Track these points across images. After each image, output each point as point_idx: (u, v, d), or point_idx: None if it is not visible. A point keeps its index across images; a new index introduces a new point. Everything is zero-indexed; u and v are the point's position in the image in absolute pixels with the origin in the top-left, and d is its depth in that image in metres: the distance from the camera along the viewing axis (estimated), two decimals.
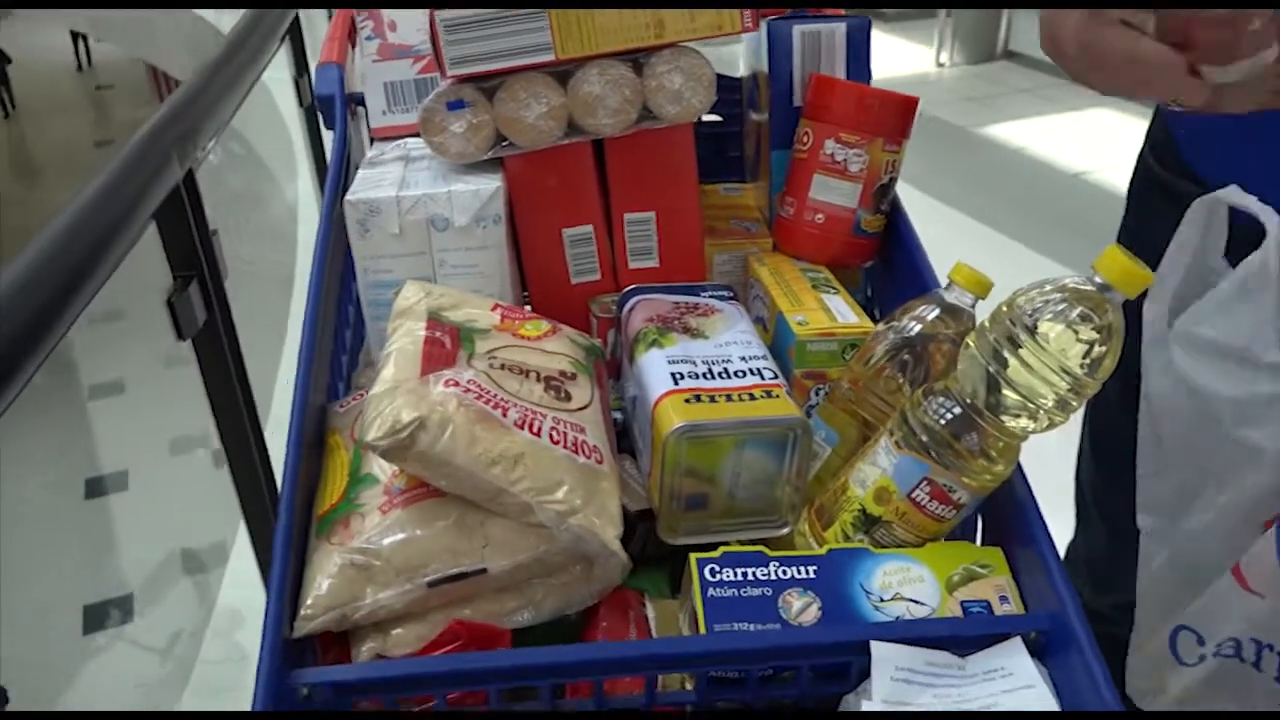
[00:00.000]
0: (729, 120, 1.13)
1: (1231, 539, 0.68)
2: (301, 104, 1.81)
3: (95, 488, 2.95)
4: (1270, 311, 0.65)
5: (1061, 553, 1.14)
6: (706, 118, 1.14)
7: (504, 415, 0.62)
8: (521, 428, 0.62)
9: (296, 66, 1.77)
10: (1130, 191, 0.87)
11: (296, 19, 1.64)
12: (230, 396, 1.11)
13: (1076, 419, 1.02)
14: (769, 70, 0.91)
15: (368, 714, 0.57)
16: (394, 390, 0.62)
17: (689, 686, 0.61)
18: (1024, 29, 5.36)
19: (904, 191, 0.91)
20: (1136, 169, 0.87)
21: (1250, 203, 0.65)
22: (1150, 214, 0.83)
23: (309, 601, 0.59)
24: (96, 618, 2.55)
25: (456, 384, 0.63)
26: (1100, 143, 4.02)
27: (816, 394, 0.77)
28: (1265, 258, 0.64)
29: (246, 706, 0.52)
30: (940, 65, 5.38)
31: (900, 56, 5.48)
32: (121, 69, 8.83)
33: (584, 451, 0.64)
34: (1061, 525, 1.04)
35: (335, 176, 0.90)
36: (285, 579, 0.60)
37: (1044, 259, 3.15)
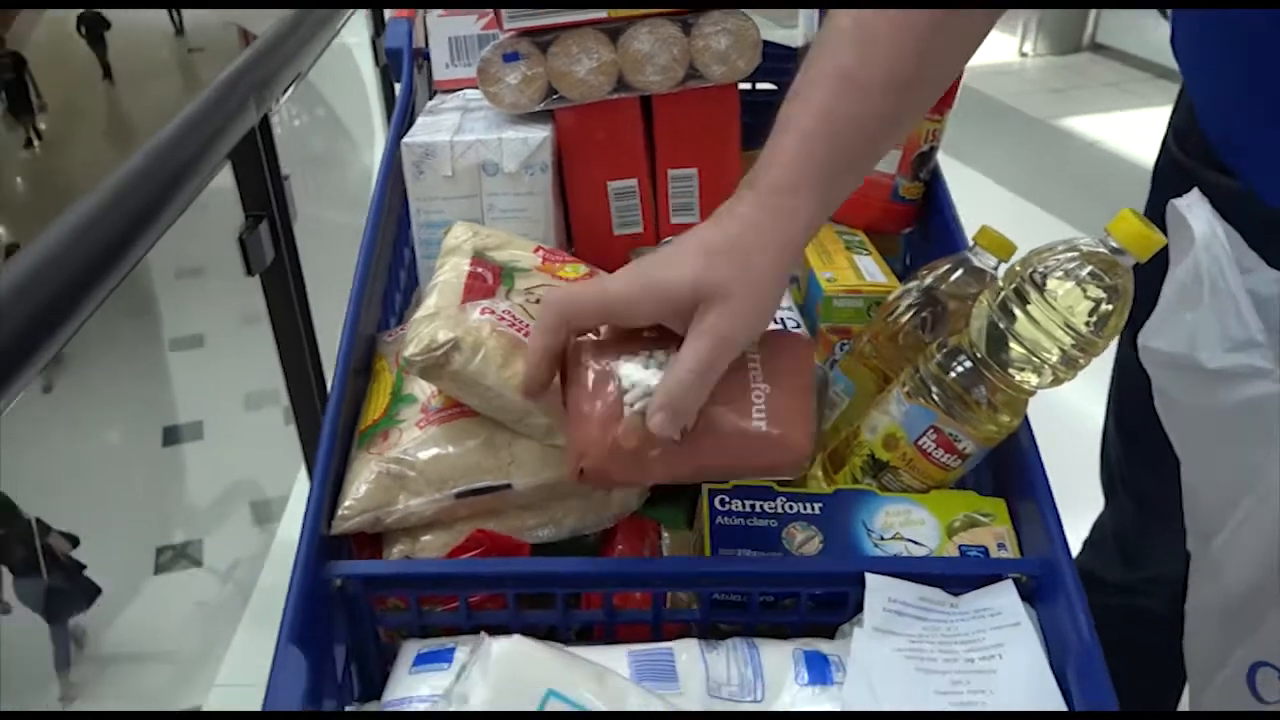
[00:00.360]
0: (783, 89, 1.15)
1: (1266, 560, 0.68)
2: (378, 63, 1.87)
3: (172, 436, 3.08)
4: (1209, 315, 0.65)
5: (1087, 531, 1.15)
6: (761, 86, 1.17)
7: None
8: None
9: (375, 27, 1.84)
10: (1154, 177, 0.88)
11: None
12: (294, 333, 1.17)
13: (1101, 398, 1.03)
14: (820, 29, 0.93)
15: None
16: (434, 315, 0.66)
17: (695, 608, 0.65)
18: (1111, 21, 5.23)
19: (975, 180, 0.92)
20: (1160, 155, 0.87)
21: (1185, 209, 0.66)
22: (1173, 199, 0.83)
23: (346, 503, 0.64)
24: (167, 560, 2.66)
25: (492, 312, 0.67)
26: None
27: (840, 349, 0.80)
28: (1196, 260, 0.65)
29: None
30: (1023, 55, 5.28)
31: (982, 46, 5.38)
32: (214, 33, 9.06)
33: None
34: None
35: (398, 124, 0.95)
36: (326, 483, 0.65)
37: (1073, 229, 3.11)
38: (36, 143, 7.42)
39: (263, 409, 3.26)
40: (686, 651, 0.60)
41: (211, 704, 1.56)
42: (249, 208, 1.12)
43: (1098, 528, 1.13)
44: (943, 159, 0.94)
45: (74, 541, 2.55)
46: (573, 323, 0.58)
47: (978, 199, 0.78)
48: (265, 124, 1.12)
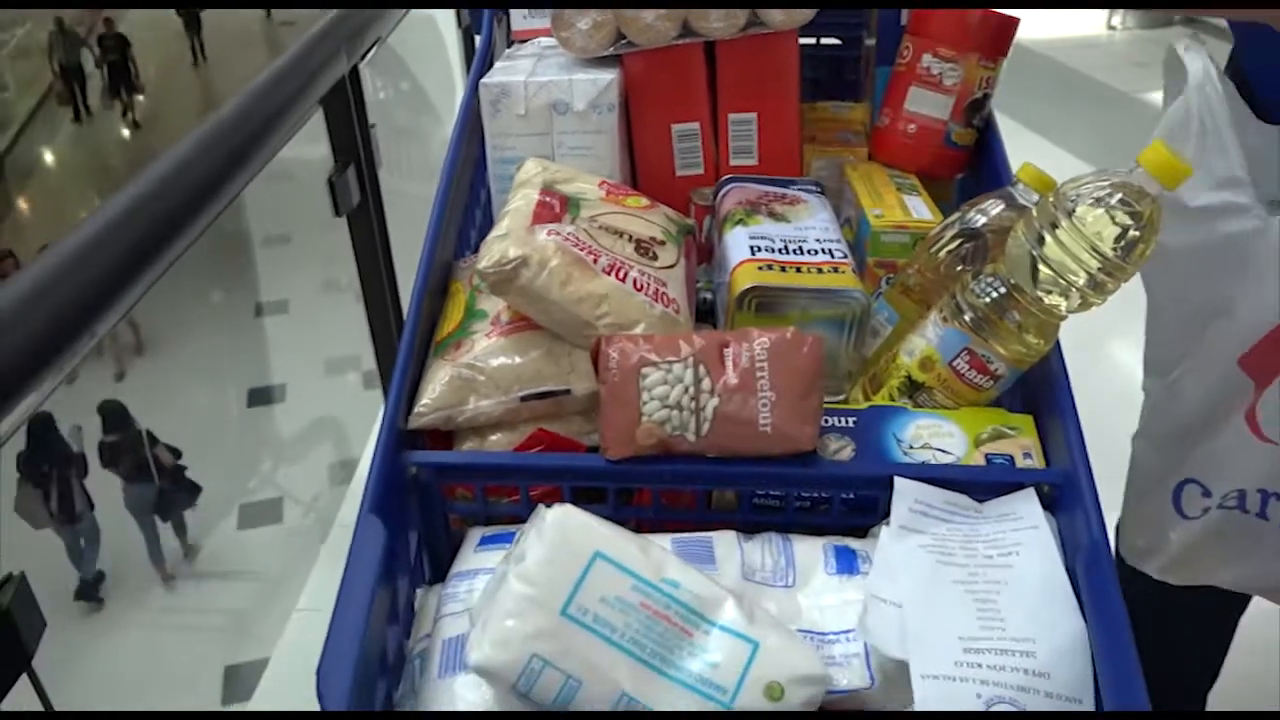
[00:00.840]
0: (848, 44, 1.19)
1: (1221, 386, 0.72)
2: (460, 25, 1.94)
3: (257, 398, 3.21)
4: (1195, 155, 0.67)
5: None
6: (826, 40, 1.21)
7: (595, 262, 0.72)
8: (609, 274, 0.72)
9: None
10: None
11: None
12: (376, 272, 1.25)
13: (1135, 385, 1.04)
14: None
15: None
16: (505, 235, 0.72)
17: (736, 510, 0.70)
18: None
19: (1050, 152, 0.94)
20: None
21: (1183, 52, 0.68)
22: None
23: (423, 402, 0.71)
24: (250, 516, 2.79)
25: (558, 234, 0.73)
26: None
27: (886, 283, 0.84)
28: (1187, 101, 0.67)
29: None
30: (1111, 28, 5.15)
31: (1068, 17, 5.26)
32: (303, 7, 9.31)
33: (663, 301, 0.73)
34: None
35: (478, 70, 1.01)
36: (404, 384, 0.72)
37: None
38: (133, 119, 7.72)
39: (344, 374, 3.38)
40: (724, 540, 0.66)
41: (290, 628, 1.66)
42: (338, 152, 1.20)
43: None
44: (1020, 131, 0.97)
45: (177, 454, 2.74)
46: None
47: (1053, 171, 0.81)
48: (355, 74, 1.20)
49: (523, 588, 0.54)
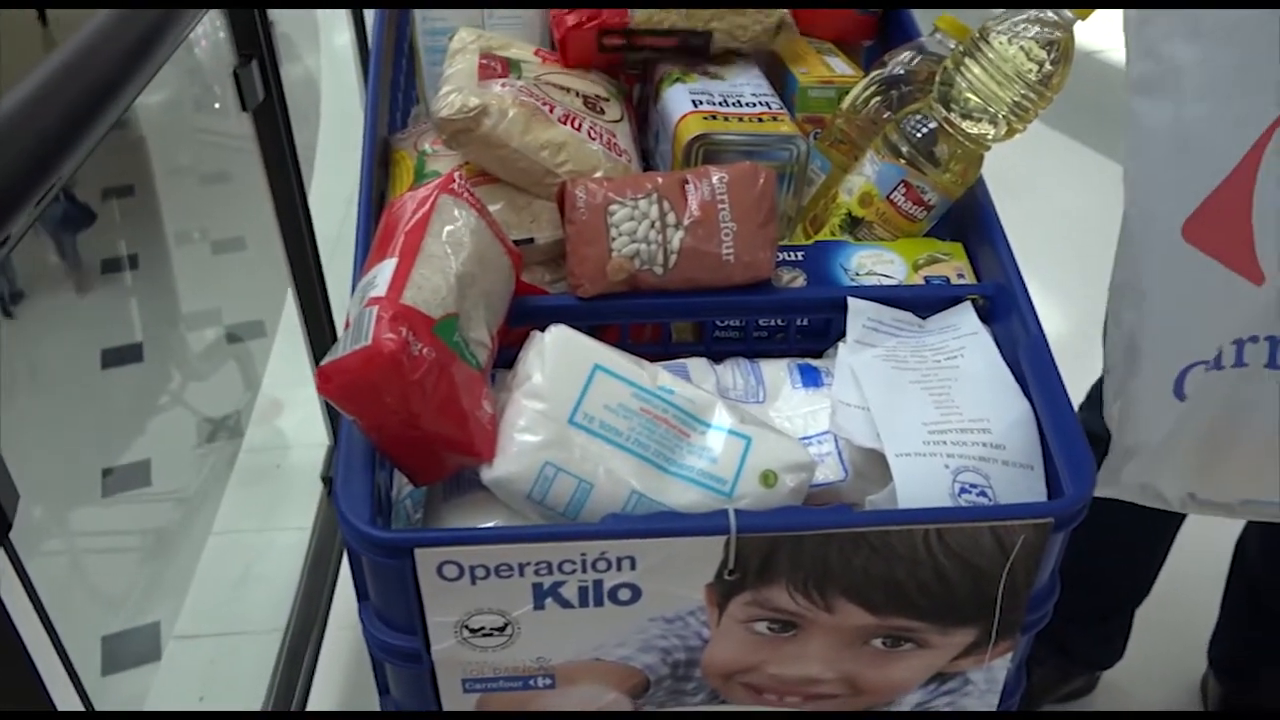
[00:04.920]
0: None
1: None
2: None
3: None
4: None
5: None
6: None
7: (550, 112, 0.74)
8: (565, 123, 0.74)
9: None
10: None
11: None
12: (283, 168, 1.23)
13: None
14: None
15: None
16: (459, 89, 0.73)
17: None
18: None
19: None
20: None
21: None
22: None
23: None
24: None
25: (511, 86, 0.74)
26: (1115, 23, 4.01)
27: (814, 137, 0.88)
28: None
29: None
30: None
31: None
32: None
33: (616, 150, 0.76)
34: None
35: None
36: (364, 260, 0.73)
37: (1056, 133, 3.19)
38: None
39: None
40: (698, 365, 0.70)
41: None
42: (241, 45, 1.17)
43: (1096, 387, 1.17)
44: None
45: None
46: None
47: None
48: None
49: (531, 403, 0.57)
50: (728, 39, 0.85)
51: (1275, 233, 0.71)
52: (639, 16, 0.84)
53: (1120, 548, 1.21)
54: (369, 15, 0.94)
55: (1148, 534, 1.22)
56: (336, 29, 3.46)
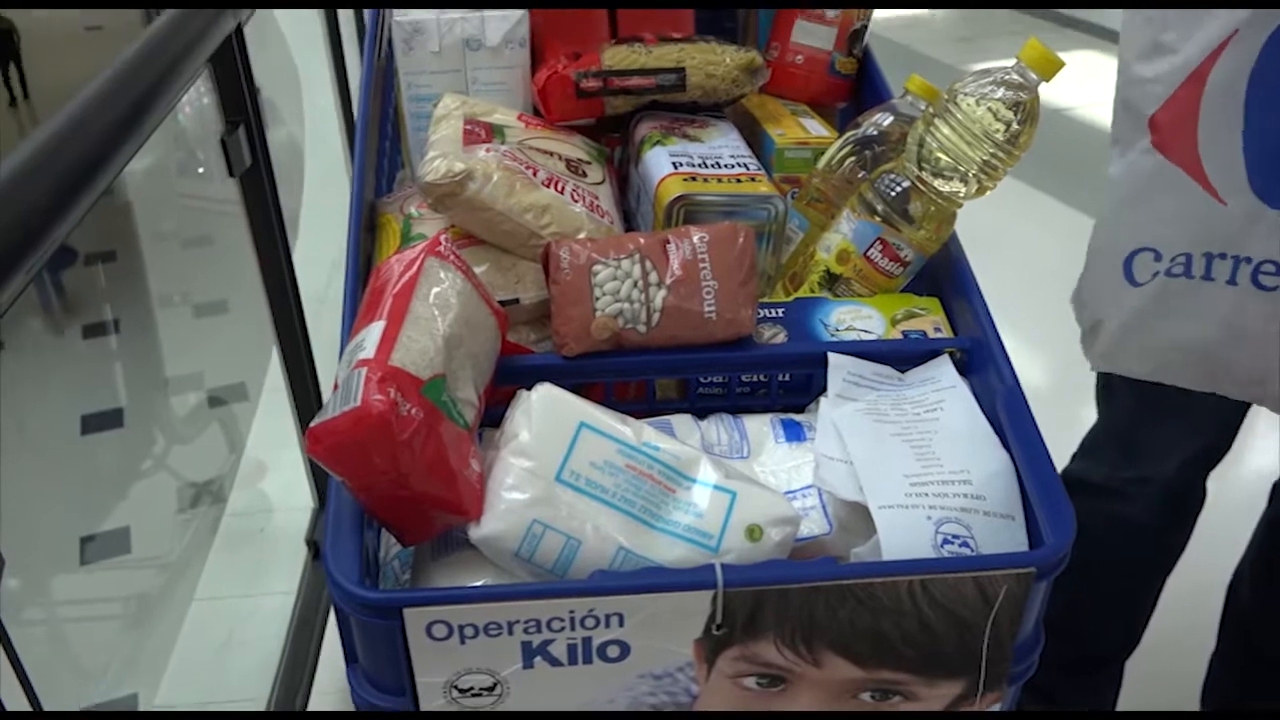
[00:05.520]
0: None
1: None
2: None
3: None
4: None
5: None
6: None
7: (534, 175, 0.75)
8: (548, 186, 0.75)
9: None
10: None
11: None
12: (269, 231, 1.24)
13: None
14: None
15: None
16: (445, 154, 0.75)
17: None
18: None
19: None
20: None
21: None
22: None
23: None
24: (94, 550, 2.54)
25: (495, 151, 0.76)
26: (1083, 82, 4.14)
27: (791, 197, 0.90)
28: None
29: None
30: (933, 7, 5.47)
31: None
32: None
33: (599, 212, 0.77)
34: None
35: (373, 24, 1.02)
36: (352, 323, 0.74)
37: (1030, 189, 3.27)
38: None
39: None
40: (682, 421, 0.71)
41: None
42: (229, 112, 1.19)
43: (1090, 436, 1.21)
44: None
45: None
46: None
47: None
48: (239, 33, 1.18)
49: (519, 461, 0.58)
50: (701, 77, 0.87)
51: (1220, 156, 0.78)
52: (611, 57, 0.86)
53: (1103, 598, 1.21)
54: (354, 82, 0.96)
55: (1129, 584, 1.23)
56: (320, 93, 3.51)
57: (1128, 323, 0.90)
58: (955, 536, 0.59)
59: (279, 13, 4.02)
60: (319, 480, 1.56)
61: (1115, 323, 0.91)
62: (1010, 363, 0.70)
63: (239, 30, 1.18)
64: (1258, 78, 0.77)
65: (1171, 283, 0.86)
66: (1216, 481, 1.17)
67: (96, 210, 0.96)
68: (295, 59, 4.01)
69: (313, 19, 2.18)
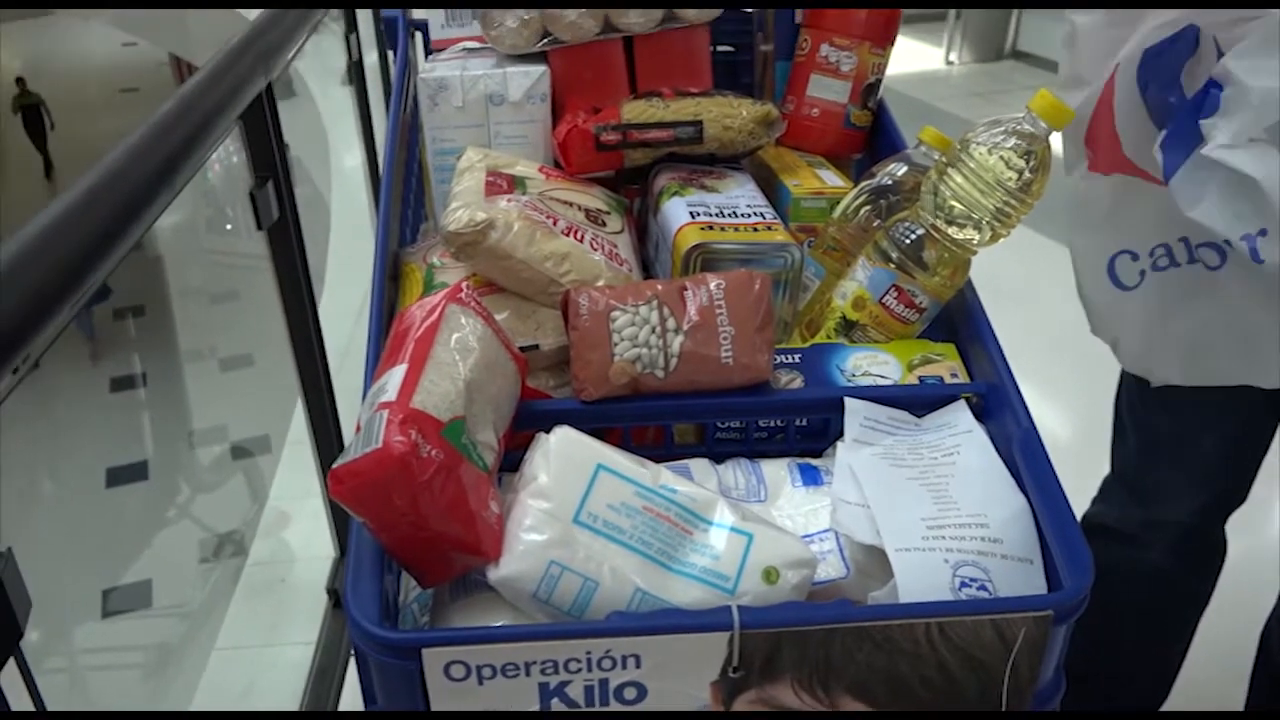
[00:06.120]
0: (741, 50, 1.28)
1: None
2: (350, 57, 1.97)
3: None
4: None
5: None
6: (721, 47, 1.30)
7: (554, 225, 0.77)
8: (568, 235, 0.77)
9: (347, 24, 1.94)
10: None
11: None
12: (295, 284, 1.27)
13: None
14: None
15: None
16: (467, 204, 0.77)
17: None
18: (1032, 30, 5.52)
19: None
20: None
21: None
22: None
23: None
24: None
25: (516, 202, 0.78)
26: None
27: (807, 245, 0.92)
28: None
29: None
30: (949, 64, 5.54)
31: (910, 55, 5.63)
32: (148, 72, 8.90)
33: (617, 260, 0.79)
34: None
35: (399, 81, 1.06)
36: (377, 362, 0.75)
37: (1043, 238, 3.28)
38: None
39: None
40: (700, 465, 0.72)
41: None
42: (258, 168, 1.22)
43: (1106, 482, 1.21)
44: None
45: None
46: None
47: None
48: (269, 91, 1.22)
49: (537, 503, 0.58)
50: (718, 129, 0.89)
51: (1143, 146, 0.82)
52: (630, 111, 0.88)
53: (1128, 647, 1.20)
54: (380, 137, 0.99)
55: (1155, 633, 1.21)
56: (347, 152, 3.59)
57: (1140, 333, 0.91)
58: (973, 579, 0.59)
59: (309, 76, 4.12)
60: (340, 529, 1.57)
61: (1129, 336, 0.92)
62: (1026, 407, 0.70)
63: (269, 88, 1.22)
64: (1144, 64, 0.82)
65: (1163, 278, 0.87)
66: (1245, 531, 1.16)
67: (127, 264, 0.98)
68: (324, 121, 4.11)
69: (340, 84, 2.23)
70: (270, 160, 1.24)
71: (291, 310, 1.29)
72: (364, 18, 2.08)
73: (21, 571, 0.67)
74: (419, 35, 1.18)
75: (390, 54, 1.18)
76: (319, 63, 4.08)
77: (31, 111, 7.89)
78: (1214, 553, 1.16)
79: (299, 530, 1.87)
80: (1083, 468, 1.03)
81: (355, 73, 1.97)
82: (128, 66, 9.54)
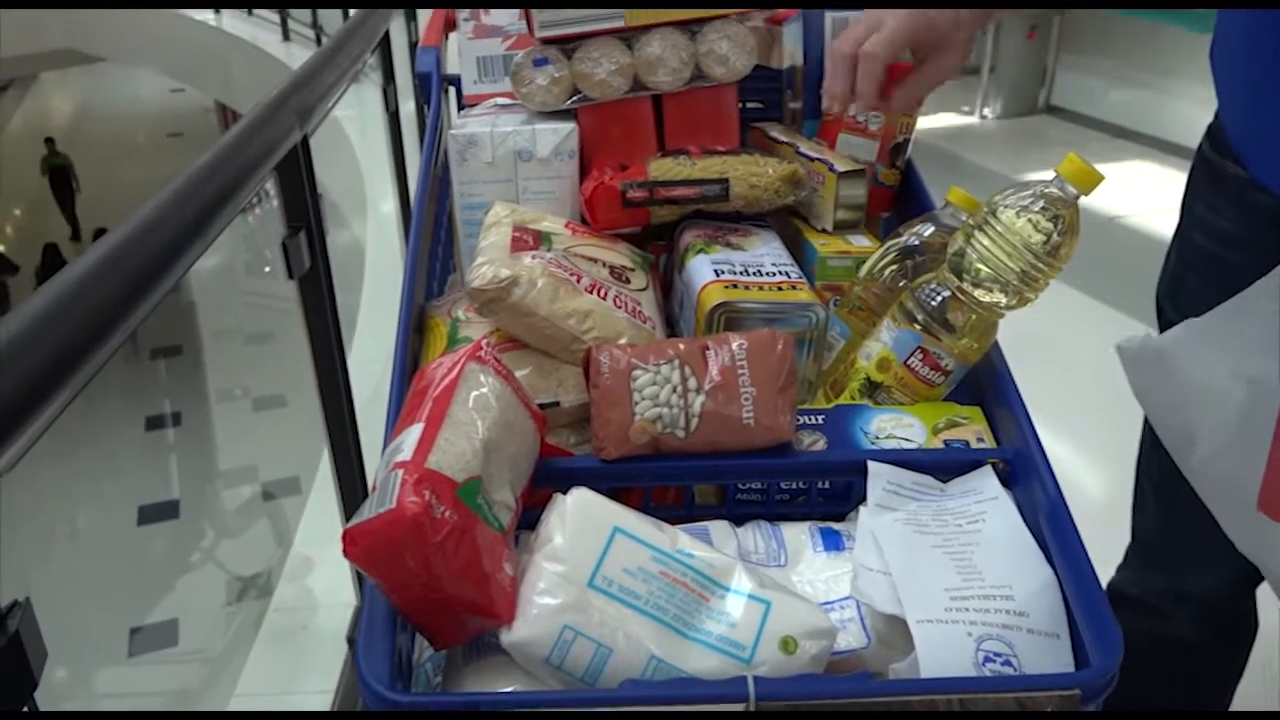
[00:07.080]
0: (770, 107, 1.29)
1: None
2: (387, 109, 2.01)
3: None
4: None
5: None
6: (750, 104, 1.31)
7: (578, 282, 0.77)
8: (591, 292, 0.77)
9: (385, 75, 1.98)
10: (1189, 177, 0.98)
11: (387, 33, 1.85)
12: (325, 332, 1.28)
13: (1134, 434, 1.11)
14: (804, 50, 1.07)
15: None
16: (492, 260, 0.77)
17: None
18: (1065, 84, 5.52)
19: None
20: (1196, 157, 0.97)
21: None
22: (1202, 190, 0.95)
23: None
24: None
25: (540, 258, 0.78)
26: (1136, 191, 4.15)
27: (833, 304, 0.91)
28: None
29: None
30: (983, 118, 5.55)
31: (942, 108, 5.66)
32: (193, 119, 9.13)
33: (640, 318, 0.79)
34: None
35: (431, 135, 1.07)
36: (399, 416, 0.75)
37: (1081, 294, 3.25)
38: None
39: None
40: (719, 528, 0.71)
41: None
42: (291, 218, 1.24)
43: (1128, 550, 1.18)
44: None
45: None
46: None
47: None
48: (305, 143, 1.24)
49: (551, 565, 0.58)
50: (744, 187, 0.89)
51: None
52: (657, 168, 0.89)
53: None
54: (412, 186, 1.00)
55: (1187, 708, 1.17)
56: (383, 198, 3.65)
57: None
58: (997, 654, 0.58)
59: (348, 124, 4.21)
60: (361, 579, 1.56)
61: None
62: (1054, 474, 0.69)
63: (305, 140, 1.24)
64: None
65: None
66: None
67: (163, 306, 1.00)
68: (362, 169, 4.18)
69: (379, 128, 2.27)
70: (303, 210, 1.26)
71: (320, 359, 1.30)
72: (402, 69, 2.12)
73: (52, 606, 0.67)
74: (452, 90, 1.20)
75: (425, 105, 1.20)
76: (358, 111, 4.16)
77: (60, 174, 8.01)
78: (1244, 627, 1.13)
79: (322, 576, 1.87)
80: (1109, 531, 1.00)
81: (391, 123, 2.01)
82: (175, 112, 9.81)
